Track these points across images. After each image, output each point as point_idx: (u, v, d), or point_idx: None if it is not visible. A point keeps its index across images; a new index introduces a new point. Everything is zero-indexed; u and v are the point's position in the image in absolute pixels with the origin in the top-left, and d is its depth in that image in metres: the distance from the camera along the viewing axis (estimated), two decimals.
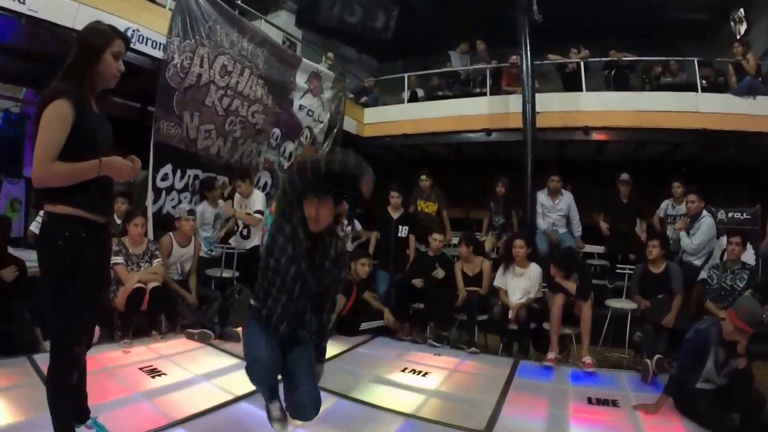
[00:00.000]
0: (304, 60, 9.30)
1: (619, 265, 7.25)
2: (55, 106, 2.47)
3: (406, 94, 11.73)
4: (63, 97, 2.49)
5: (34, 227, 5.92)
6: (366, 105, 11.89)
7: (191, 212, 6.49)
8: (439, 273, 6.67)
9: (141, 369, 4.59)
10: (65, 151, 2.48)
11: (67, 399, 2.72)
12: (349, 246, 8.00)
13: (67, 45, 5.69)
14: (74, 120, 2.50)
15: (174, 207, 6.98)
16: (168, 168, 6.93)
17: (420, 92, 11.90)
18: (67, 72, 2.63)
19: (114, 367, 4.55)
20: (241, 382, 4.41)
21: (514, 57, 9.74)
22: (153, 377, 4.42)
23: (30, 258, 5.76)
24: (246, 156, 8.25)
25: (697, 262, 6.62)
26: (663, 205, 7.74)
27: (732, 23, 10.29)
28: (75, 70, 2.62)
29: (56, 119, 2.47)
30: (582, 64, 9.80)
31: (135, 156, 2.80)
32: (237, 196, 7.15)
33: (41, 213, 5.77)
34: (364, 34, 11.47)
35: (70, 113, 2.48)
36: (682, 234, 6.75)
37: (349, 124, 10.89)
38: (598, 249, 8.19)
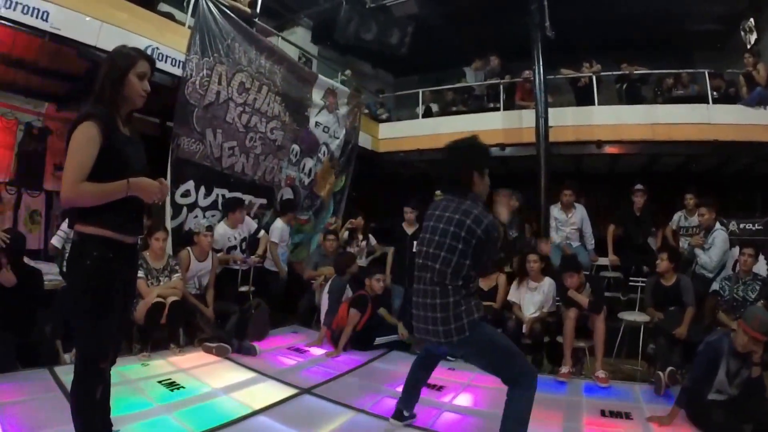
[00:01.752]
0: (320, 77, 9.40)
1: (632, 278, 7.29)
2: (83, 128, 2.55)
3: (420, 110, 11.85)
4: (90, 119, 2.56)
5: (56, 241, 6.01)
6: (382, 120, 12.01)
7: (209, 228, 6.61)
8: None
9: (160, 382, 4.66)
10: (95, 172, 2.55)
11: (92, 413, 2.75)
12: (364, 261, 8.10)
13: (90, 62, 5.88)
14: (102, 142, 2.57)
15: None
16: (190, 184, 6.96)
17: (434, 107, 12.05)
18: (95, 95, 2.71)
19: (134, 380, 4.62)
20: (259, 396, 4.47)
21: (527, 72, 9.85)
22: (172, 390, 4.50)
23: (50, 271, 5.89)
24: (268, 172, 8.27)
25: (709, 275, 6.64)
26: (675, 217, 7.77)
27: (742, 33, 10.29)
28: (102, 93, 2.69)
29: (83, 141, 2.54)
30: (594, 78, 9.87)
31: (163, 179, 2.85)
32: (219, 229, 7.06)
33: (62, 226, 5.94)
34: (380, 50, 11.56)
35: (96, 135, 2.55)
36: (699, 252, 6.77)
37: (365, 140, 10.98)
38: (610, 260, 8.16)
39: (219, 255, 6.78)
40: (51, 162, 8.63)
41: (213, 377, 4.93)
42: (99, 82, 2.72)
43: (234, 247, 7.07)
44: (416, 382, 4.08)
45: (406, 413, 4.04)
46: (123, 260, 2.76)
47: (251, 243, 7.30)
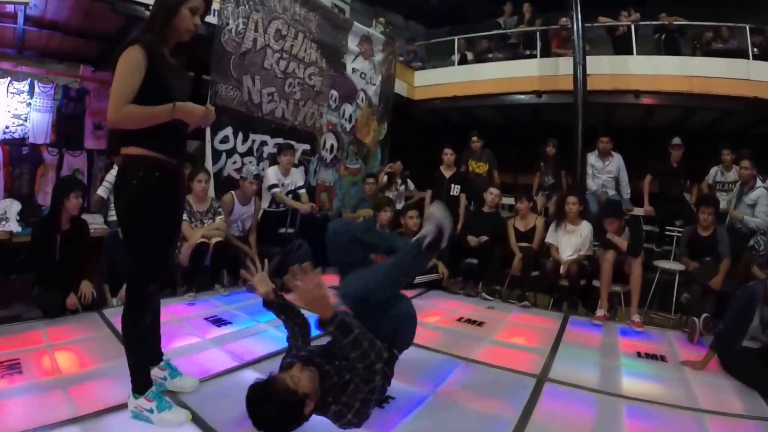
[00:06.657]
0: (355, 23, 9.42)
1: (667, 227, 7.35)
2: (128, 53, 2.55)
3: (456, 57, 11.77)
4: (136, 44, 2.56)
5: (101, 191, 6.07)
6: (417, 68, 11.96)
7: (257, 176, 6.69)
8: (472, 240, 6.77)
9: (206, 319, 4.80)
10: (140, 98, 2.55)
11: (142, 339, 2.83)
12: (401, 205, 8.20)
13: (123, 19, 5.81)
14: (148, 68, 2.57)
15: (237, 170, 7.13)
16: (228, 131, 7.04)
17: (469, 55, 11.94)
18: (145, 25, 2.72)
19: (181, 318, 4.76)
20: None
21: (564, 19, 9.76)
22: (219, 326, 4.62)
23: (94, 222, 5.99)
24: (309, 118, 8.37)
25: (746, 230, 6.58)
26: (712, 171, 7.75)
27: None
28: (152, 23, 2.71)
29: (129, 65, 2.54)
30: (632, 27, 9.76)
31: (210, 105, 2.85)
32: (270, 172, 7.05)
33: (107, 177, 6.02)
34: (411, 1, 11.50)
35: (142, 60, 2.55)
36: (748, 219, 6.58)
37: (400, 87, 10.97)
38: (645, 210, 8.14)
39: (275, 191, 6.85)
40: (90, 122, 8.89)
41: (258, 314, 4.97)
42: (151, 13, 2.76)
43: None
44: None
45: None
46: (168, 182, 2.78)
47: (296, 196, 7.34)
